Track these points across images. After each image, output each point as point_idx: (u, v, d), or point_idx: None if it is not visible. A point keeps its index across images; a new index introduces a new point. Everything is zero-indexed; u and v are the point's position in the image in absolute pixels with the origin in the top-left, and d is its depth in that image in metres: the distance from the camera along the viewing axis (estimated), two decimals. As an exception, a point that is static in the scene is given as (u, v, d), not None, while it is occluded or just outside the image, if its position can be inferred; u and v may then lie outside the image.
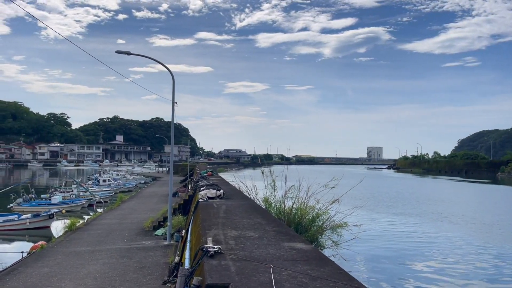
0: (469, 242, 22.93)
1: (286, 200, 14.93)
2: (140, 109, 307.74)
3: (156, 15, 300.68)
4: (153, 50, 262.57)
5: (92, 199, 34.21)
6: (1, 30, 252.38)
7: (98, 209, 29.10)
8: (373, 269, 16.99)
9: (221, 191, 12.94)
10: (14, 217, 25.00)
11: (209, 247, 5.04)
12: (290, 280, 4.09)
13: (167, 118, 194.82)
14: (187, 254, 7.19)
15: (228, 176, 28.98)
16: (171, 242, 15.34)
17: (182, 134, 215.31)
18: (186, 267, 5.61)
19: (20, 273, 11.41)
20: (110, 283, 10.46)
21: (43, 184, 60.93)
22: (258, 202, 14.38)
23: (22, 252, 15.37)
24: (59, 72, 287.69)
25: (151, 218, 19.83)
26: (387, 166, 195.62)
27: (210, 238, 5.57)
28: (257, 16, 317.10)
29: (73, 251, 14.21)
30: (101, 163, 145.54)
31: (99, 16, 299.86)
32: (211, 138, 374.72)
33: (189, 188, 32.56)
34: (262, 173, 17.16)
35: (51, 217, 24.79)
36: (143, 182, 64.75)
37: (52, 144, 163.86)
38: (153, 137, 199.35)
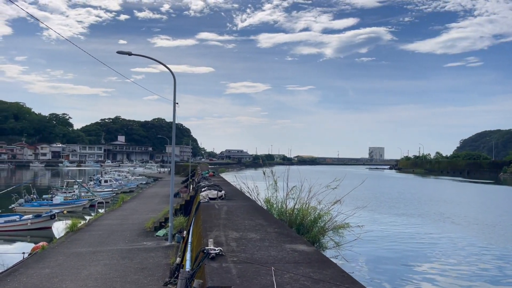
0: (471, 243, 22.83)
1: (288, 201, 14.88)
2: (141, 109, 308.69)
3: (157, 16, 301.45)
4: (154, 51, 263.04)
5: (93, 199, 34.22)
6: (3, 30, 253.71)
7: (99, 210, 29.12)
8: (376, 270, 16.92)
9: (223, 192, 12.88)
10: (16, 217, 24.99)
11: (210, 249, 4.98)
12: (292, 283, 4.03)
13: (168, 118, 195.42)
14: (188, 255, 7.14)
15: (230, 177, 28.92)
16: (173, 243, 15.31)
17: (183, 135, 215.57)
18: (187, 269, 5.55)
19: (21, 274, 11.38)
20: (111, 284, 10.42)
21: (45, 184, 61.01)
22: (259, 203, 14.33)
23: (23, 253, 15.35)
24: (61, 72, 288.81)
25: (152, 219, 19.80)
26: (389, 166, 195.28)
27: (211, 239, 5.51)
28: (258, 17, 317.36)
29: (74, 252, 14.18)
30: (102, 164, 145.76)
31: (100, 17, 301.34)
32: (212, 139, 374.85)
33: (191, 188, 32.54)
34: (264, 173, 17.11)
35: (52, 217, 24.78)
36: (144, 182, 64.78)
37: (54, 145, 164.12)
38: (154, 138, 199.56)
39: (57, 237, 19.37)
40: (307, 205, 14.53)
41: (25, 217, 25.10)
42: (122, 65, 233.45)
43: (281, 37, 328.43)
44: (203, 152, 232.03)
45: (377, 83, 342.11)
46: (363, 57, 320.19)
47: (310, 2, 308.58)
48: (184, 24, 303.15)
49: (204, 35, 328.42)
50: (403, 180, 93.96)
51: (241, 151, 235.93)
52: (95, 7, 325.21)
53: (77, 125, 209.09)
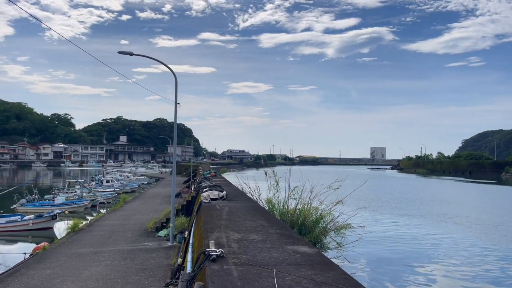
0: (474, 244, 22.74)
1: (290, 201, 14.84)
2: (143, 109, 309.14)
3: (159, 16, 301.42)
4: (156, 51, 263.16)
5: (95, 199, 34.22)
6: (6, 31, 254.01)
7: (101, 210, 29.12)
8: (378, 271, 16.85)
9: (224, 192, 12.84)
10: (17, 218, 24.99)
11: (211, 250, 4.94)
12: (294, 286, 3.99)
13: (170, 118, 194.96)
14: (189, 257, 7.10)
15: (231, 177, 28.86)
16: (174, 243, 15.28)
17: (185, 135, 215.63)
18: (188, 271, 5.51)
19: (22, 275, 11.36)
20: (112, 285, 10.39)
21: (47, 184, 61.07)
22: (261, 203, 14.29)
23: (25, 253, 15.34)
24: (62, 72, 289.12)
25: (154, 219, 19.77)
26: (390, 166, 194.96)
27: (212, 241, 5.47)
28: (260, 17, 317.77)
29: (75, 253, 14.15)
30: (104, 164, 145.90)
31: (102, 17, 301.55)
32: (214, 139, 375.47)
33: (192, 188, 32.50)
34: (265, 173, 17.08)
35: (54, 218, 24.77)
36: (146, 182, 64.80)
37: (56, 145, 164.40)
38: (156, 138, 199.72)
39: (59, 238, 19.35)
40: (309, 206, 14.50)
41: (27, 217, 25.10)
42: (124, 65, 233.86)
43: (282, 37, 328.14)
44: (205, 152, 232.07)
45: (379, 83, 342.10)
46: (365, 57, 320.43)
47: (311, 2, 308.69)
48: (186, 24, 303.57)
49: (205, 35, 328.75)
50: (405, 180, 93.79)
51: (243, 151, 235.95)
52: (97, 7, 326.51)
53: (79, 125, 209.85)
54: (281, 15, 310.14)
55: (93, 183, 52.19)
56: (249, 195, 15.82)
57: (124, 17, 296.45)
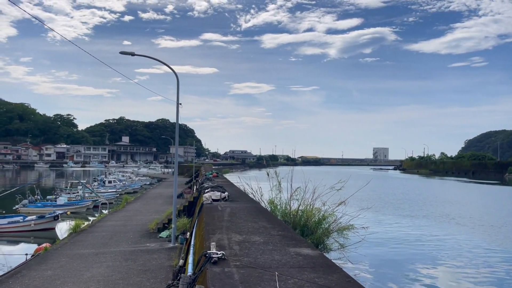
0: (477, 245, 22.60)
1: (292, 202, 14.77)
2: (146, 110, 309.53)
3: (161, 17, 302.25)
4: (158, 51, 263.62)
5: (97, 200, 34.20)
6: (9, 32, 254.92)
7: (103, 211, 29.08)
8: (381, 272, 16.74)
9: (226, 193, 12.77)
10: (19, 218, 24.99)
11: (212, 253, 4.86)
12: (296, 289, 3.91)
13: (172, 119, 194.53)
14: (190, 258, 7.03)
15: (234, 177, 28.80)
16: (176, 244, 15.22)
17: (187, 135, 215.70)
18: (189, 274, 5.44)
19: (23, 276, 11.32)
20: (113, 286, 10.33)
21: (50, 185, 61.15)
22: (263, 204, 14.21)
23: (26, 254, 15.29)
24: (65, 73, 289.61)
25: (155, 220, 19.72)
26: (393, 167, 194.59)
27: (213, 243, 5.39)
28: (262, 17, 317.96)
29: (77, 254, 14.11)
30: (107, 164, 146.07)
31: (105, 18, 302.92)
32: (216, 139, 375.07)
33: (194, 189, 32.44)
34: (268, 174, 17.01)
35: (56, 218, 24.75)
36: (148, 183, 64.79)
37: (59, 145, 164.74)
38: (158, 138, 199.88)
39: (61, 238, 19.32)
40: (311, 207, 14.43)
41: (29, 218, 25.10)
42: (126, 66, 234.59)
43: (285, 38, 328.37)
44: (207, 153, 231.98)
45: (381, 84, 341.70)
46: (367, 58, 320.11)
47: (314, 2, 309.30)
48: (188, 25, 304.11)
49: (208, 35, 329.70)
50: (408, 180, 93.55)
51: (245, 152, 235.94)
52: (99, 8, 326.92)
53: (82, 125, 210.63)
54: (283, 16, 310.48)
55: (96, 183, 52.21)
56: (251, 196, 15.75)
57: (127, 17, 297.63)
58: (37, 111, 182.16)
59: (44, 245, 16.28)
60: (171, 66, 16.09)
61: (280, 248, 5.82)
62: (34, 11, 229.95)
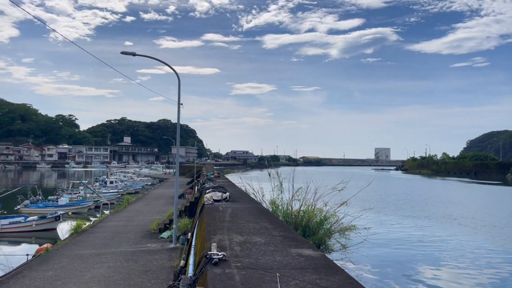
0: (480, 246, 22.51)
1: (294, 202, 14.72)
2: (147, 110, 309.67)
3: (163, 17, 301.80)
4: (160, 52, 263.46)
5: (98, 200, 34.20)
6: (11, 32, 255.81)
7: (104, 211, 29.07)
8: (383, 273, 16.67)
9: (227, 193, 12.72)
10: (21, 219, 25.00)
11: (213, 254, 4.82)
12: (298, 291, 3.86)
13: (174, 119, 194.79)
14: (191, 259, 6.99)
15: (235, 178, 28.78)
16: (177, 245, 15.18)
17: (189, 136, 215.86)
18: (190, 275, 5.40)
19: (24, 277, 11.29)
20: (115, 287, 10.30)
21: (51, 185, 61.23)
22: (265, 205, 14.17)
23: (28, 254, 15.29)
24: (67, 74, 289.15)
25: (157, 220, 19.70)
26: (395, 167, 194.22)
27: (214, 244, 5.35)
28: (264, 18, 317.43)
29: (78, 254, 14.08)
30: (108, 165, 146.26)
31: (107, 19, 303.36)
32: (218, 139, 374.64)
33: (196, 190, 32.43)
34: (269, 174, 16.96)
35: (57, 219, 24.75)
36: (150, 183, 64.82)
37: (60, 146, 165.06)
38: (160, 139, 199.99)
39: (62, 239, 19.31)
40: (313, 207, 14.38)
41: (30, 218, 25.11)
42: (128, 67, 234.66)
43: (286, 38, 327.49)
44: (208, 153, 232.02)
45: (383, 84, 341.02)
46: (368, 58, 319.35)
47: (315, 3, 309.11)
48: (190, 25, 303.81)
49: (209, 36, 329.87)
50: (409, 181, 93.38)
51: (247, 152, 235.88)
52: (101, 9, 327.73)
53: (83, 126, 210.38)
54: (284, 16, 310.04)
55: (97, 184, 52.25)
56: (252, 196, 15.70)
57: (128, 18, 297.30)
58: (39, 111, 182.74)
59: (45, 245, 16.28)
60: (173, 67, 16.06)
61: (281, 249, 5.77)
62: (36, 12, 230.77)
